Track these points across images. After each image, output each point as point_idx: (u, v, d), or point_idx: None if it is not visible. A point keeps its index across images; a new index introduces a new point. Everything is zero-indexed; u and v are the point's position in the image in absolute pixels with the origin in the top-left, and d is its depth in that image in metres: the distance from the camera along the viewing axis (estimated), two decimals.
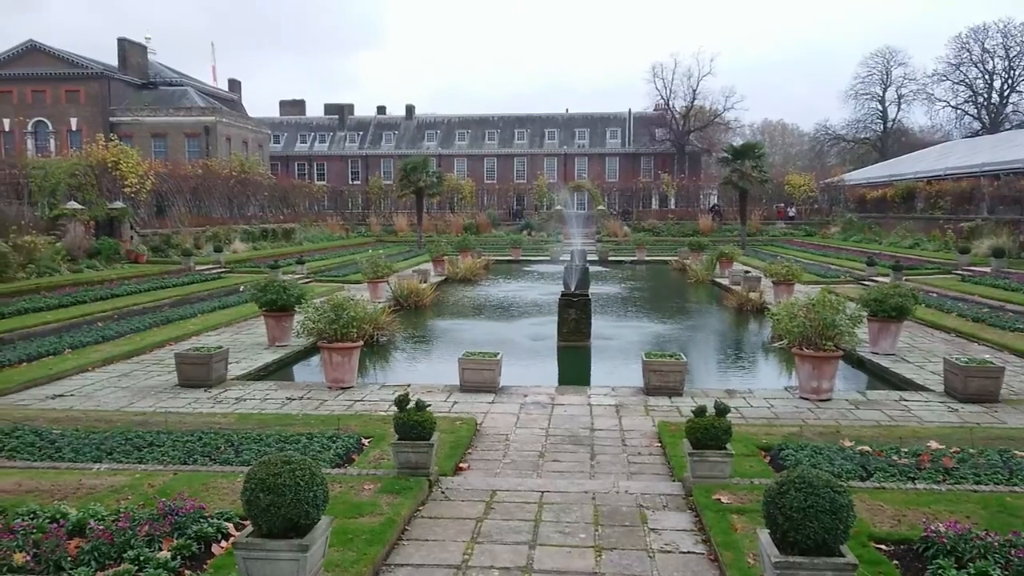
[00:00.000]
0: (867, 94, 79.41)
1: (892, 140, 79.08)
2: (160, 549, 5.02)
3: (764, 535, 3.97)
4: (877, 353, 13.62)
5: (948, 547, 4.86)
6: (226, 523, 5.47)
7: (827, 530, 3.68)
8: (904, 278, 22.98)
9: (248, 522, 4.96)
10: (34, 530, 5.16)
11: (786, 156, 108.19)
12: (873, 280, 24.12)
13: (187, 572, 4.83)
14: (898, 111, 79.99)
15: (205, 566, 4.95)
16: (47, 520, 5.39)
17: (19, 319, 16.21)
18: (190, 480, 6.61)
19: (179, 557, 4.96)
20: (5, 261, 20.74)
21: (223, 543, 5.26)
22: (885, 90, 78.84)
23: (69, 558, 4.89)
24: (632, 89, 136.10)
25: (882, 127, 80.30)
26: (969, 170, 39.23)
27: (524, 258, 40.84)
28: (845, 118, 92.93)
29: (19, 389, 11.17)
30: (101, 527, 5.20)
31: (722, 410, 6.56)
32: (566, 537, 5.76)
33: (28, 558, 4.83)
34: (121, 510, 5.56)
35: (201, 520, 5.41)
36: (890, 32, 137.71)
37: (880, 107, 79.61)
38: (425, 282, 24.20)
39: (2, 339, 14.34)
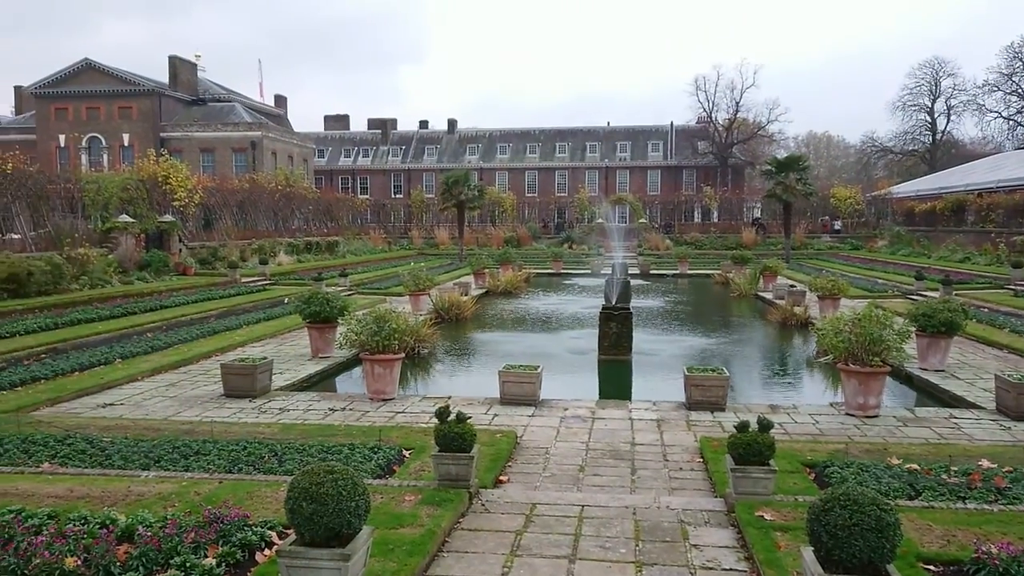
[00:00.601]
0: (915, 105, 78.04)
1: (941, 152, 77.50)
2: (206, 556, 5.11)
3: (808, 553, 3.91)
4: (926, 369, 13.32)
5: (1000, 569, 4.72)
6: (270, 531, 5.55)
7: (873, 549, 3.61)
8: (954, 293, 22.46)
9: (291, 531, 5.03)
10: (85, 535, 5.29)
11: (831, 169, 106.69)
12: (922, 295, 23.63)
13: None
14: (947, 122, 78.46)
15: (249, 574, 5.03)
16: (97, 526, 5.52)
17: (72, 329, 16.66)
18: (235, 488, 6.71)
19: (224, 564, 5.04)
20: (59, 273, 21.34)
21: (266, 551, 5.33)
22: (934, 101, 77.40)
23: (118, 563, 5.00)
24: (674, 102, 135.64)
25: (931, 139, 78.74)
26: (1022, 182, 38.27)
27: (565, 271, 40.80)
28: (892, 130, 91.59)
29: (72, 397, 11.46)
30: (149, 534, 5.32)
31: (765, 425, 6.47)
32: (606, 552, 5.73)
33: (79, 562, 4.96)
34: (168, 517, 5.67)
35: (245, 528, 5.49)
36: (938, 42, 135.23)
37: (929, 118, 78.13)
38: (466, 295, 24.31)
39: (56, 349, 14.76)
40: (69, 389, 11.74)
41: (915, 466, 7.46)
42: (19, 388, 11.70)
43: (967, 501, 6.54)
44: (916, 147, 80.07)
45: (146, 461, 7.89)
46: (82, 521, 5.64)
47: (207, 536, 5.31)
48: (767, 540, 5.55)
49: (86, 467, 7.72)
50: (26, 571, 4.89)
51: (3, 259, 19.86)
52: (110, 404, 11.18)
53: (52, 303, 19.52)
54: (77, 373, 12.84)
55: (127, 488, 6.77)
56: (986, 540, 5.31)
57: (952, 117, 77.94)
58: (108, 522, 5.58)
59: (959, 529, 5.73)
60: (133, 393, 11.91)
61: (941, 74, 76.16)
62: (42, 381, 12.17)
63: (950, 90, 76.18)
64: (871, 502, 3.68)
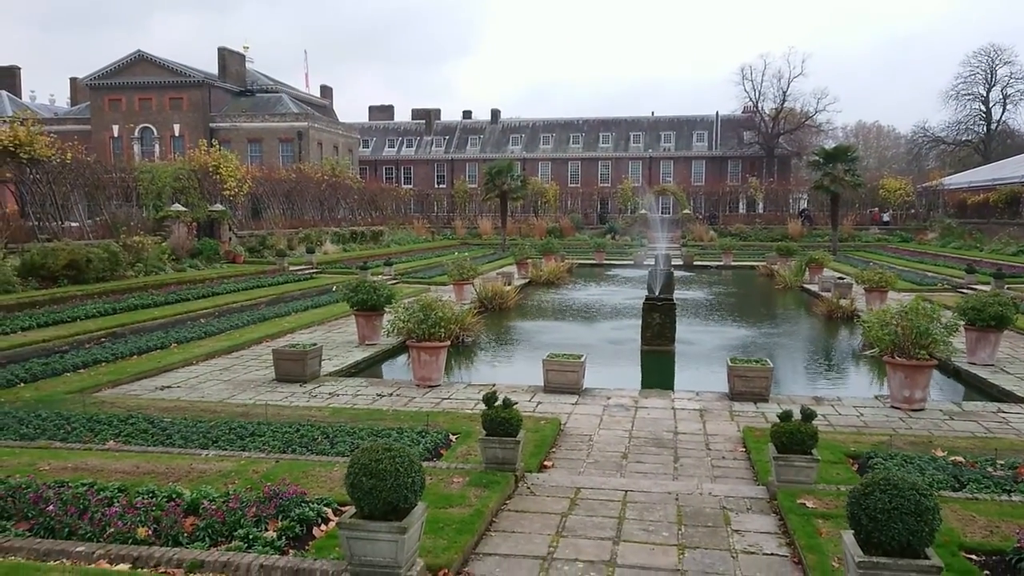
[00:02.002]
0: (969, 94, 75.87)
1: (996, 142, 75.35)
2: (266, 529, 5.38)
3: (848, 536, 4.01)
4: (975, 364, 13.16)
5: None
6: (325, 508, 5.80)
7: (912, 532, 3.71)
8: (1006, 287, 22.01)
9: (346, 508, 5.28)
10: (154, 507, 5.60)
11: (881, 159, 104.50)
12: (972, 288, 23.18)
13: (291, 551, 5.17)
14: (1003, 112, 76.13)
15: (307, 547, 5.29)
16: (164, 499, 5.83)
17: (130, 315, 17.24)
18: (291, 468, 7.00)
19: (284, 537, 5.31)
20: (116, 260, 22.03)
21: (323, 526, 5.59)
22: (989, 90, 75.17)
23: (185, 534, 5.31)
24: (720, 91, 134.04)
25: (985, 129, 76.55)
26: None
27: (607, 262, 40.77)
28: (945, 120, 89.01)
29: (131, 380, 11.92)
30: (213, 507, 5.61)
31: (808, 415, 6.55)
32: (649, 535, 5.88)
33: (149, 532, 5.27)
34: (230, 492, 5.95)
35: (303, 504, 5.76)
36: (994, 29, 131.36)
37: (983, 108, 75.97)
38: (509, 284, 24.48)
39: (115, 333, 15.30)
40: (128, 372, 12.21)
41: (960, 459, 7.46)
42: (82, 370, 12.20)
43: (1012, 494, 6.55)
44: (970, 137, 77.94)
45: (205, 441, 8.24)
46: (150, 494, 5.96)
47: (267, 511, 5.59)
48: (809, 527, 5.65)
49: (149, 445, 8.09)
50: (101, 539, 5.21)
51: (63, 246, 20.56)
52: (167, 387, 11.61)
53: (109, 289, 20.17)
54: (135, 357, 13.33)
55: (189, 465, 7.10)
56: None
57: (1008, 106, 75.65)
58: (174, 496, 5.89)
59: (1003, 521, 5.76)
60: (189, 376, 12.34)
61: (997, 62, 73.95)
62: (103, 364, 12.67)
63: (1006, 78, 73.94)
64: (911, 487, 3.78)
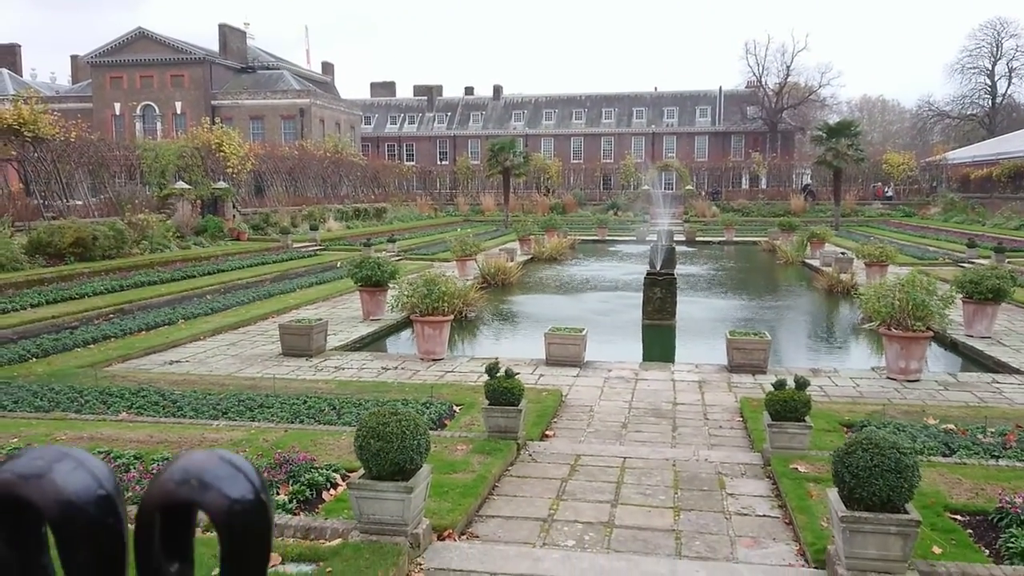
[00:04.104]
0: (975, 68, 75.43)
1: (1001, 116, 74.98)
2: (278, 493, 5.60)
3: (832, 493, 4.21)
4: (972, 336, 13.32)
5: (1022, 517, 4.97)
6: (334, 473, 6.02)
7: (892, 488, 3.90)
8: (1007, 261, 22.13)
9: (352, 474, 5.49)
10: None
11: (886, 134, 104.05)
12: (973, 262, 23.29)
13: (302, 514, 5.39)
14: (1008, 85, 75.71)
15: (317, 509, 5.51)
16: None
17: (137, 291, 17.45)
18: (299, 437, 7.21)
19: (295, 501, 5.53)
20: (122, 237, 22.22)
21: (332, 491, 5.80)
22: (995, 63, 74.71)
23: None
24: (723, 66, 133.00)
25: (990, 103, 76.20)
26: None
27: (610, 238, 40.88)
28: (950, 93, 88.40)
29: (140, 355, 12.14)
30: None
31: (801, 384, 6.74)
32: (646, 498, 6.09)
33: None
34: None
35: (312, 470, 5.97)
36: (1001, 1, 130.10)
37: (989, 81, 75.54)
38: (511, 261, 24.63)
39: (123, 309, 15.52)
40: (137, 347, 12.42)
41: (951, 426, 7.66)
42: (91, 346, 12.42)
43: (1000, 459, 6.74)
44: (975, 111, 77.61)
45: (215, 412, 8.46)
46: (165, 461, 6.17)
47: (278, 476, 5.80)
48: (800, 490, 5.86)
49: (161, 416, 8.31)
50: None
51: (70, 224, 20.75)
52: (176, 361, 11.82)
53: (116, 266, 20.37)
54: (144, 332, 13.54)
55: (201, 435, 7.32)
56: (1013, 493, 5.54)
57: (1014, 80, 75.28)
58: None
59: (988, 484, 5.95)
60: (197, 351, 12.55)
61: (1003, 35, 73.47)
62: (112, 339, 12.88)
63: (1012, 51, 73.52)
64: (891, 446, 3.97)
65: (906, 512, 3.98)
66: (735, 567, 4.90)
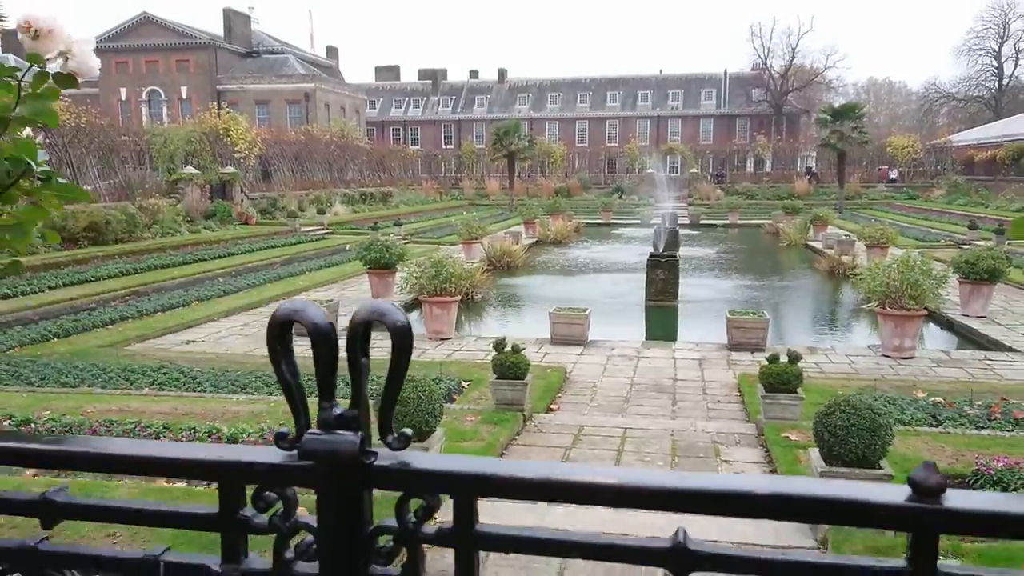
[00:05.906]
0: (981, 49, 75.13)
1: (1008, 98, 74.70)
2: None
3: (814, 452, 4.56)
4: (968, 315, 13.62)
5: (995, 478, 5.33)
6: None
7: (867, 446, 4.25)
8: (1007, 242, 22.37)
9: None
10: (197, 440, 6.19)
11: (892, 116, 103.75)
12: (974, 244, 23.52)
13: None
14: (1015, 67, 75.39)
15: None
16: (206, 434, 6.43)
17: (150, 274, 17.85)
18: None
19: None
20: (134, 222, 22.60)
21: None
22: (1002, 44, 74.40)
23: None
24: (729, 48, 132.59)
25: (997, 84, 75.94)
26: None
27: (615, 221, 41.10)
28: (956, 75, 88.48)
29: (158, 335, 12.53)
30: (251, 440, 6.20)
31: (794, 358, 7.08)
32: (645, 464, 6.46)
33: None
34: (264, 428, 6.54)
35: None
36: None
37: (995, 63, 75.25)
38: (517, 244, 24.94)
39: (138, 292, 15.92)
40: (154, 328, 12.82)
41: (939, 399, 7.99)
42: (110, 326, 12.81)
43: (983, 429, 7.08)
44: (981, 93, 77.36)
45: (234, 388, 8.84)
46: (192, 430, 6.56)
47: None
48: (790, 456, 6.21)
49: (183, 391, 8.69)
50: None
51: (83, 209, 21.11)
52: (192, 341, 12.21)
53: (128, 250, 20.77)
54: (159, 313, 13.93)
55: (223, 407, 7.70)
56: (991, 458, 5.89)
57: (1020, 61, 74.94)
58: (214, 431, 6.49)
59: (968, 450, 6.29)
60: (212, 331, 12.93)
61: (1011, 16, 73.09)
62: (130, 320, 13.29)
63: (1019, 33, 73.17)
64: (867, 407, 4.31)
65: (880, 468, 4.33)
66: (724, 522, 5.25)
